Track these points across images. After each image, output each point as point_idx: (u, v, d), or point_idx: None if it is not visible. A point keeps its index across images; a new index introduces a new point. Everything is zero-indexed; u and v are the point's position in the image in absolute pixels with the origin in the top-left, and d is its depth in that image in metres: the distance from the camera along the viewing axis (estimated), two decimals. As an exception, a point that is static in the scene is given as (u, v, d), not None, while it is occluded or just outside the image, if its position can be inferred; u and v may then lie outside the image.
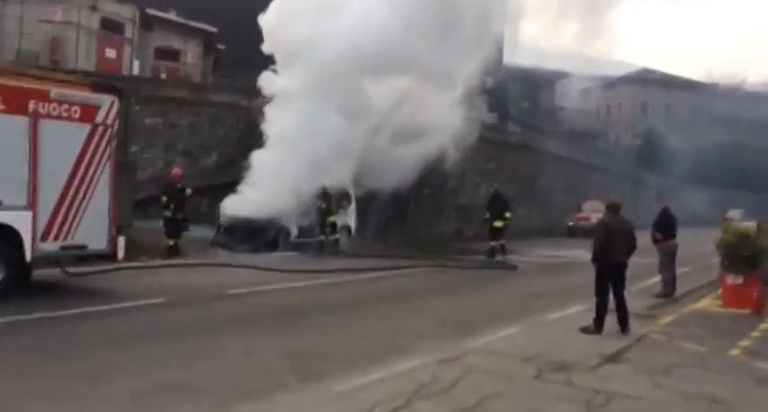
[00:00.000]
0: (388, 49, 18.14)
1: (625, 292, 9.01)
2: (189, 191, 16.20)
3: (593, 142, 58.45)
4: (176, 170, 16.85)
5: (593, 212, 32.54)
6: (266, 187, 17.76)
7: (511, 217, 19.42)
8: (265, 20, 20.14)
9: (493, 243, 18.95)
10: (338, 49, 18.08)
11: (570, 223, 32.81)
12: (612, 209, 9.13)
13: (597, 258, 8.85)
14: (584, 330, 8.77)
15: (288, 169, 17.91)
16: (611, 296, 8.91)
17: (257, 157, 18.72)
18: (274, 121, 19.33)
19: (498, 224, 18.70)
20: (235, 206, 17.87)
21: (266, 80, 20.06)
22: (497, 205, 19.10)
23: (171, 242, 15.47)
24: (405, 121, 20.84)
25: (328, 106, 18.68)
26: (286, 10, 19.79)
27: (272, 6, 20.27)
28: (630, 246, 8.89)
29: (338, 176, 19.11)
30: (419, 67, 19.19)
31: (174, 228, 15.61)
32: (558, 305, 10.90)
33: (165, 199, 15.65)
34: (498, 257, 18.54)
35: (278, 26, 19.64)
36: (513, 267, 16.68)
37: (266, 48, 20.05)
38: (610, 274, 8.88)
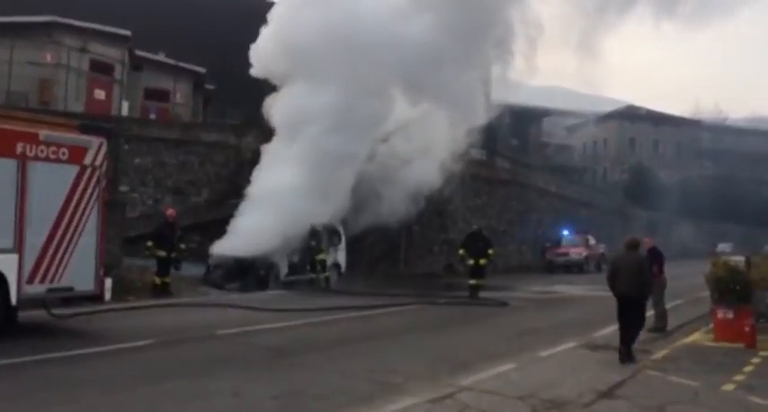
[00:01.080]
0: (425, 60, 18.16)
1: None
2: (183, 246, 16.28)
3: (580, 177, 58.98)
4: (171, 211, 16.81)
5: (572, 248, 32.32)
6: (256, 225, 17.68)
7: (493, 254, 19.02)
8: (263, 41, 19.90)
9: (473, 281, 17.92)
10: (375, 61, 18.00)
11: (549, 258, 32.06)
12: (628, 246, 9.67)
13: (611, 291, 9.49)
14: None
15: (286, 200, 17.68)
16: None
17: (253, 189, 18.64)
18: (277, 149, 19.22)
19: (482, 262, 18.29)
20: (225, 244, 17.79)
21: (276, 100, 19.66)
22: (479, 242, 18.61)
23: (158, 280, 15.35)
24: (395, 150, 20.82)
25: (351, 121, 18.53)
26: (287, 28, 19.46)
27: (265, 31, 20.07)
28: (640, 281, 9.23)
29: (330, 211, 19.02)
30: (447, 91, 19.30)
31: (166, 268, 15.52)
32: (551, 341, 10.85)
33: (149, 243, 15.56)
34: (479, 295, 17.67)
35: (280, 46, 19.35)
36: (504, 303, 16.59)
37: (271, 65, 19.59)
38: (622, 307, 9.34)
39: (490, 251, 18.32)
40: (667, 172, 60.82)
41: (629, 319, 9.34)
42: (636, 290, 9.21)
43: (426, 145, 21.22)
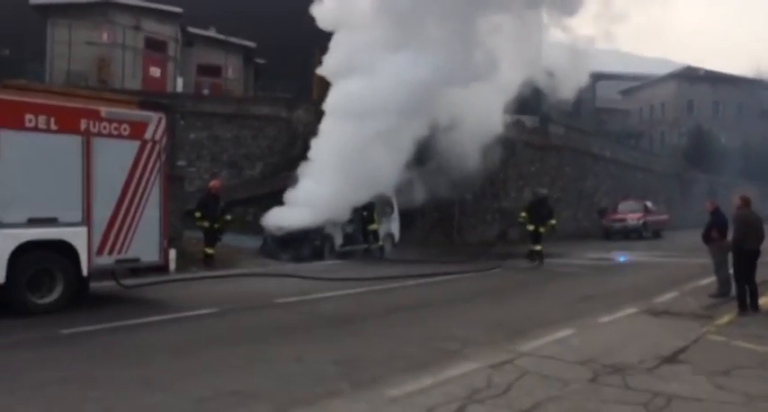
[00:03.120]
0: None
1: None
2: (229, 217, 16.49)
3: (637, 142, 57.39)
4: (214, 182, 17.11)
5: (630, 213, 31.53)
6: (311, 196, 17.82)
7: (555, 225, 18.60)
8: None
9: (538, 247, 17.90)
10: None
11: (606, 224, 31.55)
12: (746, 203, 10.41)
13: (738, 247, 10.25)
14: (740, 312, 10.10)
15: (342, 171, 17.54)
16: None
17: (311, 159, 18.62)
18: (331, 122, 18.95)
19: (542, 229, 18.00)
20: (280, 215, 18.05)
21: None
22: (543, 209, 18.38)
23: (209, 251, 15.73)
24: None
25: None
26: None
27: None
28: (763, 236, 10.21)
29: (386, 181, 18.89)
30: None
31: (211, 239, 15.88)
32: (611, 307, 10.73)
33: (197, 214, 15.88)
34: (534, 263, 17.71)
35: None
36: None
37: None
38: (751, 261, 10.17)
39: (552, 221, 18.01)
40: (728, 134, 58.65)
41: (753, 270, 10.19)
42: (761, 243, 10.21)
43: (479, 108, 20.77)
